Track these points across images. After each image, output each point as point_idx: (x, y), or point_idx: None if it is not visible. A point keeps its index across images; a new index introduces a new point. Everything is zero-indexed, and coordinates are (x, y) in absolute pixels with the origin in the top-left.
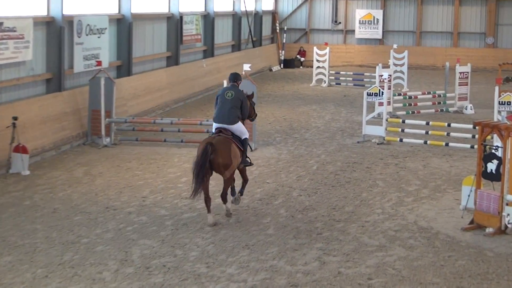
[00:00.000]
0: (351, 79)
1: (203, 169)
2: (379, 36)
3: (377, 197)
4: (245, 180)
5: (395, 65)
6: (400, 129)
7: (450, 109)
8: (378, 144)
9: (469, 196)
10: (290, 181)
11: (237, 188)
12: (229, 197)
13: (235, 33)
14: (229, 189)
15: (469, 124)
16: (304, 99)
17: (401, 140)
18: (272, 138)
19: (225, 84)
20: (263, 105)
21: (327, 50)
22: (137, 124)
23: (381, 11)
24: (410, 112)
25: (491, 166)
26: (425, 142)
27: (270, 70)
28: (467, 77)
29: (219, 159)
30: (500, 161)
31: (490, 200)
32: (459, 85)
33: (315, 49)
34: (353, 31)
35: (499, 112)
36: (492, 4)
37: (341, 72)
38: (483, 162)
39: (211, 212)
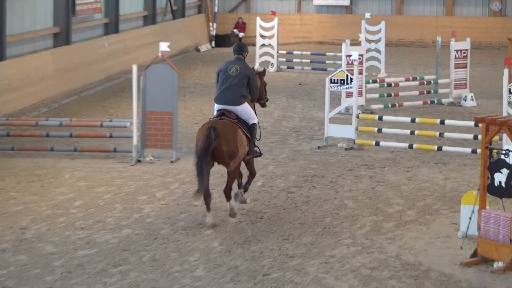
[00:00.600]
0: (308, 61)
1: (206, 157)
2: (346, 3)
3: (346, 222)
4: (251, 174)
5: (369, 41)
6: (376, 129)
7: (443, 100)
8: (346, 149)
9: (470, 219)
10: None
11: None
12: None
13: (148, 0)
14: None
15: (469, 120)
16: None
17: (377, 144)
18: None
19: (134, 70)
20: (188, 98)
21: (275, 22)
22: (13, 128)
23: None
24: (390, 105)
25: (500, 177)
26: (410, 146)
27: (197, 50)
28: (466, 57)
29: (223, 147)
30: None
31: (499, 223)
32: (456, 68)
33: (258, 20)
34: None
35: (510, 103)
36: None
37: (295, 52)
38: (488, 172)
39: (210, 211)
